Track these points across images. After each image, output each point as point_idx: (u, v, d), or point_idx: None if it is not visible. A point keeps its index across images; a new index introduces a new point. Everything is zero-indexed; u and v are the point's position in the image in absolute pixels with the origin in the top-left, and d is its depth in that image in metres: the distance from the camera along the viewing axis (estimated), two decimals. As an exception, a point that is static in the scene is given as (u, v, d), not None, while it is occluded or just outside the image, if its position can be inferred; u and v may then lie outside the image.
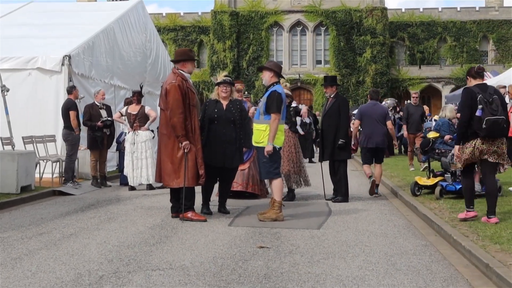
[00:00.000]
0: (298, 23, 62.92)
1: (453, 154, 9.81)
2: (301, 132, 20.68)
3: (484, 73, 8.20)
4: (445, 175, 10.97)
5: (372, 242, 7.17)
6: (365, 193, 12.41)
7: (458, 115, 11.60)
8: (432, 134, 10.97)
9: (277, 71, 8.80)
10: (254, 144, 8.82)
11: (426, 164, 11.63)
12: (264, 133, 8.55)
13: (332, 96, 10.96)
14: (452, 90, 50.62)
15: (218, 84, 9.21)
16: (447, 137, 10.77)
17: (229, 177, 9.37)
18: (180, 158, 8.51)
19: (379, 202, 10.96)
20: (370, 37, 59.44)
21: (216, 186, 9.57)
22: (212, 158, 8.84)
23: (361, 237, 7.46)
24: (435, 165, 12.21)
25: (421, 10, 64.17)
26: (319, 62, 62.81)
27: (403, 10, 64.27)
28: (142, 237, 7.43)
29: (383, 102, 22.91)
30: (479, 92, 7.71)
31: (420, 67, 60.96)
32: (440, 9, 63.96)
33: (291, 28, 62.94)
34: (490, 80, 20.46)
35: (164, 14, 66.69)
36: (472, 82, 7.96)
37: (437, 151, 11.05)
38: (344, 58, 60.58)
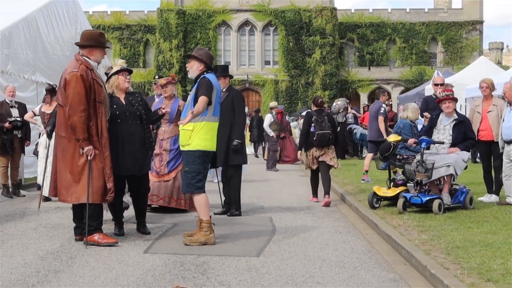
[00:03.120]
0: (246, 23, 61.34)
1: (418, 161, 8.35)
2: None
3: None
4: (408, 184, 9.47)
5: (325, 275, 5.54)
6: (316, 203, 10.82)
7: (428, 115, 10.19)
8: (392, 138, 9.44)
9: (207, 62, 7.12)
10: (181, 147, 7.12)
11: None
12: (192, 133, 6.85)
13: (224, 90, 9.17)
14: (402, 92, 49.83)
15: (117, 72, 7.47)
16: (411, 140, 9.25)
17: (142, 188, 7.60)
18: (82, 167, 6.74)
19: (332, 215, 9.36)
20: (320, 38, 58.32)
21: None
22: (119, 166, 7.09)
23: (311, 269, 5.82)
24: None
25: (370, 11, 63.40)
26: (268, 62, 61.31)
27: (353, 11, 63.38)
28: (23, 272, 5.60)
29: (334, 103, 21.45)
30: (314, 115, 10.80)
31: (369, 69, 60.16)
32: (389, 10, 63.32)
33: (239, 28, 61.32)
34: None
35: (109, 12, 64.29)
36: (313, 108, 11.18)
37: (398, 157, 9.55)
38: (293, 59, 59.29)
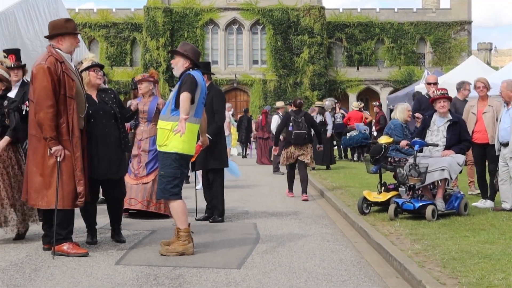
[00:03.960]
0: (234, 21, 60.83)
1: (411, 164, 7.90)
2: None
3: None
4: (400, 188, 9.04)
5: (312, 291, 5.08)
6: (302, 207, 10.37)
7: (419, 116, 9.75)
8: (384, 139, 8.97)
9: (193, 59, 6.63)
10: (157, 148, 6.63)
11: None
12: (170, 133, 6.34)
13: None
14: (391, 93, 49.52)
15: (87, 68, 6.96)
16: (403, 142, 8.77)
17: (117, 193, 7.07)
18: (53, 169, 6.21)
19: (320, 222, 8.89)
20: (308, 37, 57.92)
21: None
22: (93, 169, 6.60)
23: (296, 282, 5.35)
24: (387, 176, 10.26)
25: (358, 10, 63.09)
26: (255, 62, 60.82)
27: (341, 10, 63.01)
28: (-20, 288, 5.10)
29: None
30: (293, 115, 11.53)
31: (358, 69, 59.82)
32: (377, 10, 63.05)
33: (227, 26, 60.79)
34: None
35: (95, 10, 63.53)
36: (292, 107, 12.08)
37: (390, 159, 9.09)
38: (281, 58, 58.84)
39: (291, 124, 11.50)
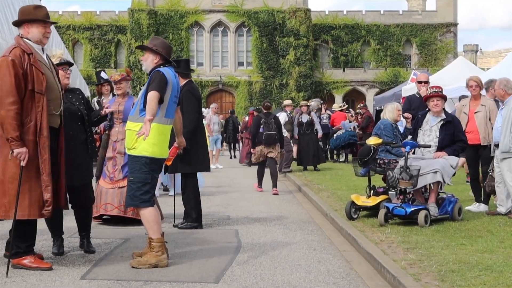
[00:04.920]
0: (219, 23, 60.34)
1: (402, 167, 7.42)
2: (296, 136, 17.50)
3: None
4: (389, 192, 8.54)
5: (296, 309, 4.56)
6: (287, 212, 9.86)
7: (408, 116, 9.28)
8: (373, 141, 8.47)
9: (163, 54, 6.10)
10: (126, 150, 6.08)
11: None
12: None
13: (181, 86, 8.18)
14: (377, 94, 49.23)
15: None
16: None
17: (84, 199, 6.49)
18: (14, 173, 5.62)
19: (305, 227, 8.38)
20: (294, 39, 57.55)
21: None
22: None
23: (279, 299, 4.84)
24: (376, 179, 9.78)
25: (344, 12, 62.78)
26: (241, 64, 60.37)
27: (327, 12, 62.66)
28: None
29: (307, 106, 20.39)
30: (263, 117, 12.58)
31: (344, 70, 59.54)
32: (363, 12, 62.78)
33: (212, 29, 60.29)
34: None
35: (79, 12, 62.77)
36: (263, 111, 13.09)
37: (379, 161, 8.60)
38: (267, 60, 58.42)
39: (262, 125, 12.61)
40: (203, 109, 35.90)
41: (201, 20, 59.82)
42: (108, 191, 8.22)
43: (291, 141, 17.40)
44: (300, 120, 17.50)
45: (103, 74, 9.75)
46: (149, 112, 5.63)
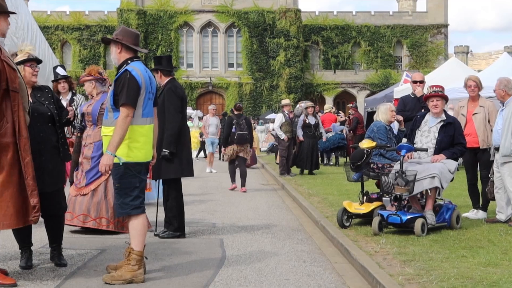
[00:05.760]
0: (209, 24, 59.94)
1: (397, 172, 6.98)
2: (301, 138, 16.60)
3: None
4: (383, 198, 8.08)
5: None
6: (276, 219, 9.39)
7: (399, 118, 8.84)
8: (366, 144, 8.00)
9: (124, 43, 5.54)
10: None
11: None
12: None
13: (162, 85, 7.70)
14: (367, 96, 48.87)
15: (23, 62, 5.89)
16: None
17: (55, 208, 5.94)
18: None
19: (294, 236, 7.90)
20: (284, 40, 57.23)
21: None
22: None
23: (265, 320, 4.36)
24: (369, 185, 9.33)
25: (335, 13, 62.49)
26: (231, 65, 60.02)
27: (317, 13, 62.40)
28: None
29: (297, 106, 19.90)
30: (235, 118, 13.19)
31: (334, 72, 59.25)
32: (354, 13, 62.50)
33: (201, 29, 59.90)
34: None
35: (68, 13, 62.17)
36: (234, 112, 13.59)
37: (372, 165, 8.14)
38: (257, 61, 58.07)
39: (234, 126, 13.19)
40: (193, 111, 35.31)
41: (190, 21, 59.43)
42: (71, 199, 7.68)
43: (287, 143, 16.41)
44: (307, 122, 16.69)
45: (59, 70, 8.98)
46: (112, 143, 5.19)
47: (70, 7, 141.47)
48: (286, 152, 16.41)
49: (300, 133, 16.54)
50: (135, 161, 5.40)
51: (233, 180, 13.74)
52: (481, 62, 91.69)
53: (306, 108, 16.89)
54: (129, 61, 5.50)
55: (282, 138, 16.42)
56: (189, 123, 29.87)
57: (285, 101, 17.69)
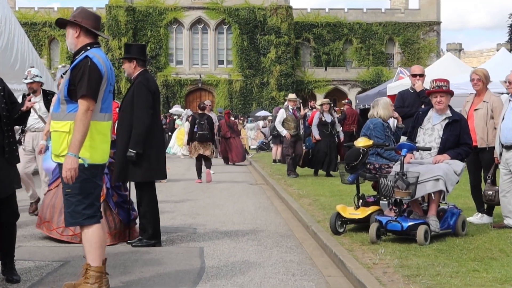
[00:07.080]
0: (199, 21, 59.05)
1: (397, 173, 6.25)
2: (317, 137, 15.25)
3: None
4: (381, 201, 7.35)
5: None
6: (263, 223, 8.65)
7: (395, 114, 8.11)
8: (362, 142, 7.25)
9: (84, 25, 4.77)
10: (53, 158, 4.79)
11: None
12: (68, 137, 4.55)
13: (132, 79, 6.97)
14: (359, 93, 48.18)
15: None
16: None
17: (6, 215, 5.17)
18: None
19: (283, 243, 7.15)
20: (275, 37, 56.46)
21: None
22: None
23: None
24: (366, 188, 8.59)
25: (326, 10, 61.79)
26: (221, 62, 59.17)
27: (309, 10, 61.68)
28: None
29: (285, 102, 19.06)
30: (197, 118, 14.49)
31: (326, 69, 58.58)
32: (346, 10, 61.81)
33: (191, 26, 58.98)
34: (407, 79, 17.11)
35: (55, 9, 61.20)
36: (198, 112, 15.02)
37: (369, 166, 7.40)
38: (247, 58, 57.25)
39: (196, 125, 14.33)
40: (182, 110, 34.37)
41: (180, 17, 58.56)
42: (48, 205, 6.98)
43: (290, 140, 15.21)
44: (323, 119, 15.40)
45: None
46: (74, 143, 4.43)
47: (61, 4, 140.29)
48: (290, 151, 15.45)
49: (316, 132, 15.28)
50: (90, 163, 4.62)
51: (198, 176, 14.74)
52: (473, 60, 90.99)
53: (322, 105, 15.78)
54: (88, 47, 4.73)
55: (284, 135, 15.38)
56: (178, 121, 29.15)
57: (292, 96, 16.43)
